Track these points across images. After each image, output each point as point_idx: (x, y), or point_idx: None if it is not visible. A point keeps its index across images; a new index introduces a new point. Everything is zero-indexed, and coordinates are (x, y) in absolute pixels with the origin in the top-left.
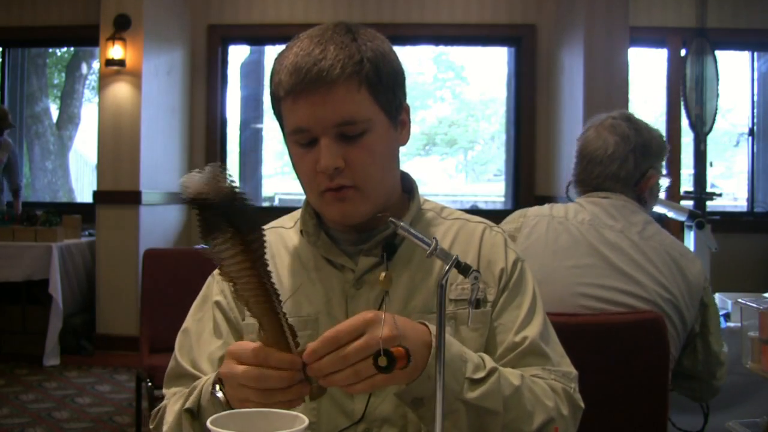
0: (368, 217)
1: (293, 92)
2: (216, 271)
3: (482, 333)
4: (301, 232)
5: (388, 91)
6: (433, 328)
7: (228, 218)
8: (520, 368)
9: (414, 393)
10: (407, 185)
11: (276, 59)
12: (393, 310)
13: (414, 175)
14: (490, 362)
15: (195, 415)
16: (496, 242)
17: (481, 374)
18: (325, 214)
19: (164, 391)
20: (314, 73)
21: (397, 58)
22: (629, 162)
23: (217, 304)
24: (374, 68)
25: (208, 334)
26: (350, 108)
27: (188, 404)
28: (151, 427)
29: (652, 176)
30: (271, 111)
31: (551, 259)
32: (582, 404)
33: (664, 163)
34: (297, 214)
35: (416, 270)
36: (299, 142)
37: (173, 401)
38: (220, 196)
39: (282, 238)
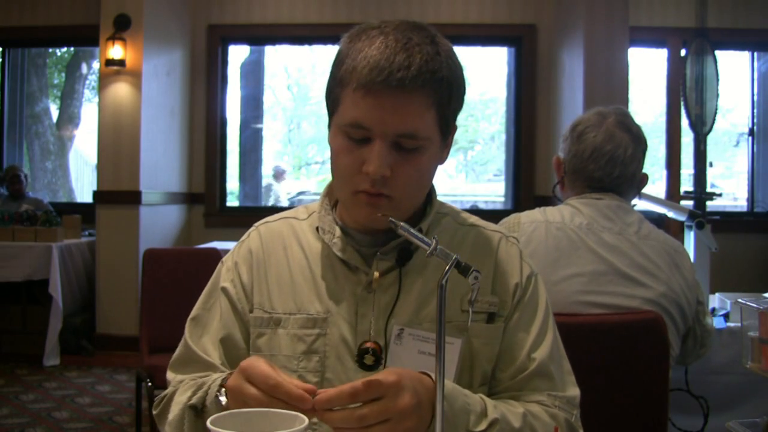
0: None
1: (366, 87)
2: (225, 258)
3: (493, 348)
4: (317, 228)
5: (450, 116)
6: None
7: None
8: (526, 391)
9: None
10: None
11: (349, 42)
12: (404, 318)
13: None
14: (492, 410)
15: (198, 412)
16: (512, 254)
17: (483, 426)
18: (352, 214)
19: (169, 375)
20: (397, 79)
21: (464, 83)
22: (641, 162)
23: (224, 290)
24: (448, 90)
25: (218, 321)
26: (417, 122)
27: (193, 401)
28: (154, 412)
29: (644, 173)
30: (324, 90)
31: (553, 267)
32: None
33: None
34: (314, 206)
35: (430, 278)
36: (351, 136)
37: (180, 391)
38: None
39: (294, 230)
